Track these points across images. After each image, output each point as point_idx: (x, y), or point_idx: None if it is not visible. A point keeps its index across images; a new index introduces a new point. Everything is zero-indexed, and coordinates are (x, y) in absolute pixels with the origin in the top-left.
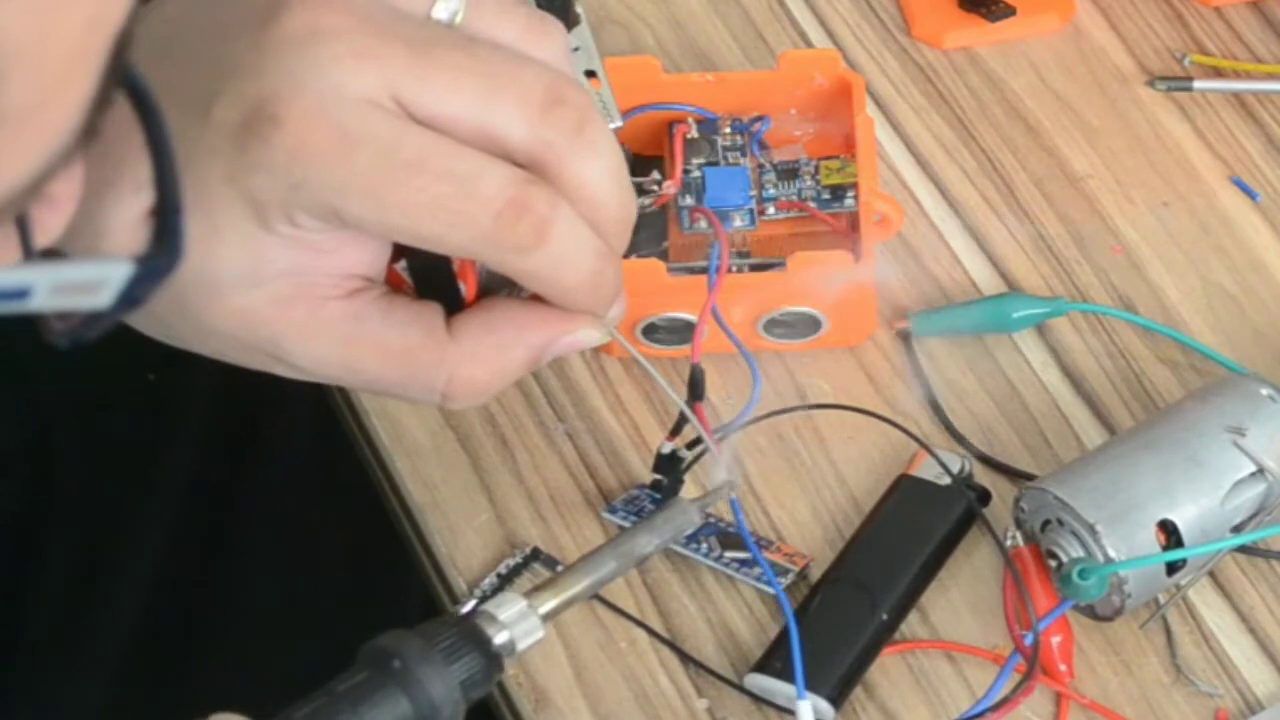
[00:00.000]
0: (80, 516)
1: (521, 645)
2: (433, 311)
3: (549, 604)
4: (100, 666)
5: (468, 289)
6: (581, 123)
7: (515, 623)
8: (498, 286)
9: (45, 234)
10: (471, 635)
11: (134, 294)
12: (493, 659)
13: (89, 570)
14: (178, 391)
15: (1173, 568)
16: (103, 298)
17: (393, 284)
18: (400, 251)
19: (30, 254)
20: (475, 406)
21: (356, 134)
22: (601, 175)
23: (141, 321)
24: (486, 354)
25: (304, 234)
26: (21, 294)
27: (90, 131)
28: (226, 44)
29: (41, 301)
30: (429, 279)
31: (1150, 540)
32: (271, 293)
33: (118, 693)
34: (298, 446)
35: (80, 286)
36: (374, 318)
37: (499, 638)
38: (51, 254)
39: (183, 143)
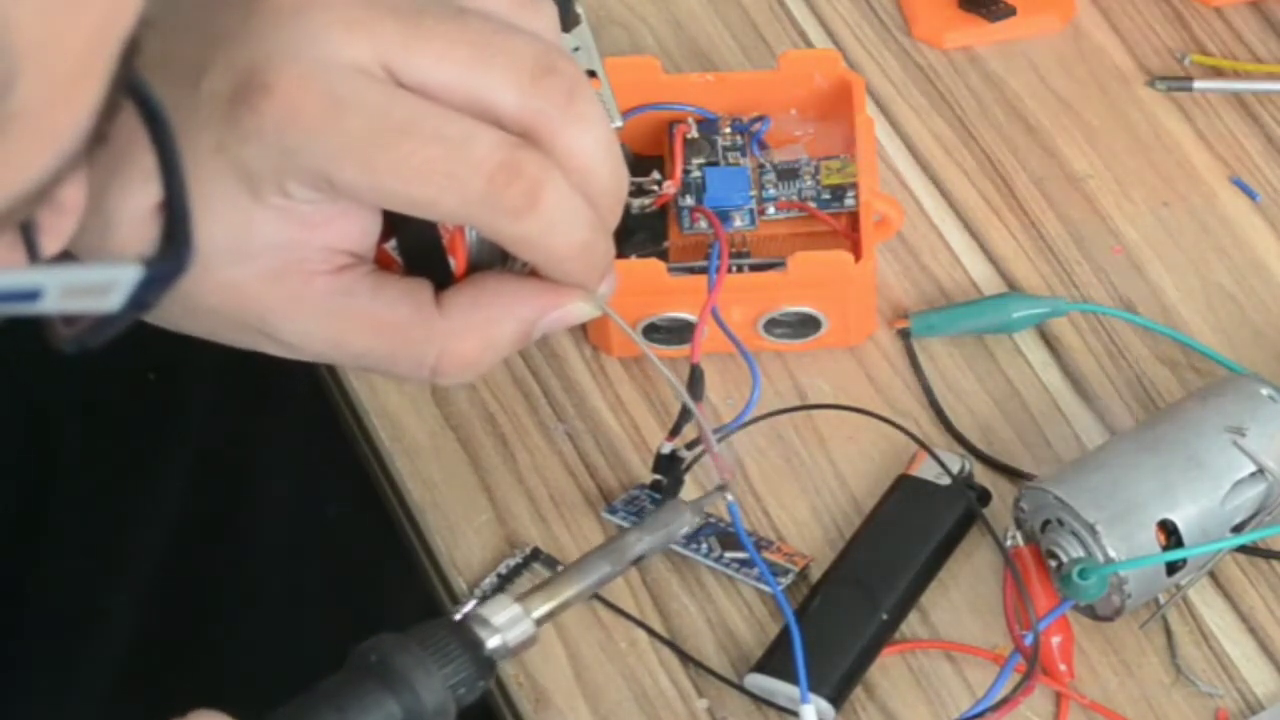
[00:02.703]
0: (80, 518)
1: (514, 649)
2: (422, 287)
3: (543, 608)
4: (100, 669)
5: (457, 264)
6: (572, 92)
7: (508, 627)
8: (488, 264)
9: (55, 239)
10: (464, 639)
11: (143, 297)
12: (484, 663)
13: (89, 572)
14: (178, 392)
15: (1173, 568)
16: (112, 300)
17: (382, 264)
18: (389, 231)
19: (36, 258)
20: (464, 383)
21: (347, 100)
22: (593, 144)
23: None
24: (476, 328)
25: (295, 205)
26: (32, 295)
27: (98, 137)
28: (217, 15)
29: (51, 304)
30: (419, 255)
31: (1150, 540)
32: (260, 267)
33: (118, 693)
34: (297, 447)
35: (90, 289)
36: (363, 293)
37: (491, 642)
38: (61, 257)
39: (173, 115)
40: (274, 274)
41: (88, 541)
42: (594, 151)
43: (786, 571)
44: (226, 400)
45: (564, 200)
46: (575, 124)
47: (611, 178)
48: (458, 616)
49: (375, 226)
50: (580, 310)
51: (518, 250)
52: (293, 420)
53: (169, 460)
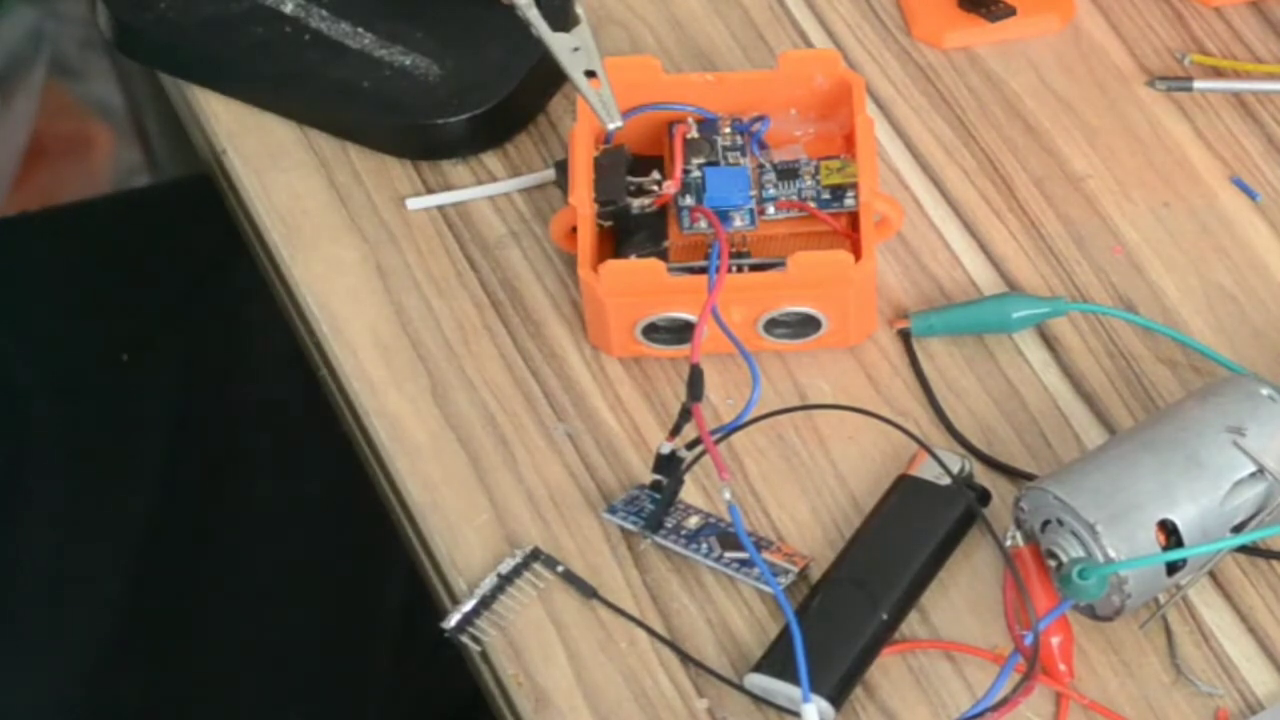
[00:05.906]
0: (56, 500)
1: None
2: None
3: None
4: (78, 648)
5: None
6: None
7: None
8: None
9: None
10: None
11: None
12: None
13: (66, 556)
14: (152, 373)
15: (1173, 568)
16: None
17: None
18: None
19: None
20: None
21: None
22: None
23: None
24: None
25: None
26: None
27: None
28: None
29: None
30: None
31: (1150, 540)
32: None
33: (102, 675)
34: (296, 447)
35: None
36: None
37: None
38: None
39: None
40: None
41: (64, 525)
42: None
43: (786, 571)
44: (215, 393)
45: None
46: None
47: None
48: (451, 623)
49: None
50: None
51: None
52: (291, 421)
53: (148, 443)
